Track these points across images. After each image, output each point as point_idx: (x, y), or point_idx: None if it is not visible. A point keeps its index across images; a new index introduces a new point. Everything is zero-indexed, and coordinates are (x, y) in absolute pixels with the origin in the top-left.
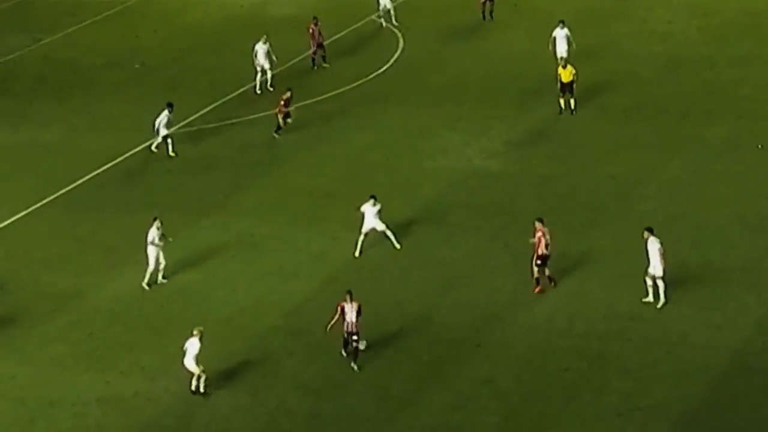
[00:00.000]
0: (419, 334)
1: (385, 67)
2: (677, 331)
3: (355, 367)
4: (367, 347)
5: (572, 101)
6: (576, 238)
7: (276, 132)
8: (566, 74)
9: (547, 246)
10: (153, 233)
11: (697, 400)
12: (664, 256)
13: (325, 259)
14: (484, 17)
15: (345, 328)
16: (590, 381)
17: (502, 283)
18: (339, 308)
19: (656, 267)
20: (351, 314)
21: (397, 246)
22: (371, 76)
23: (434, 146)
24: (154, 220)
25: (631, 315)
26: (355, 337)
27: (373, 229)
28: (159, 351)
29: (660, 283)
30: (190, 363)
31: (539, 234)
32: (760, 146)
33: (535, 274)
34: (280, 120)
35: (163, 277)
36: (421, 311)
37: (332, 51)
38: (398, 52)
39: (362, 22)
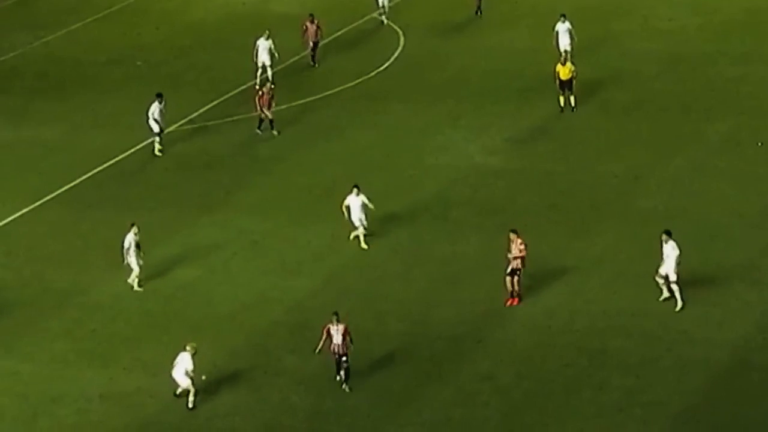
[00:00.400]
0: (420, 330)
1: (385, 65)
2: (678, 328)
3: (347, 389)
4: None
5: (572, 98)
6: (577, 235)
7: (272, 129)
8: (565, 71)
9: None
10: (129, 239)
11: (698, 395)
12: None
13: (327, 256)
14: (478, 12)
15: (333, 350)
16: (591, 377)
17: (503, 280)
18: (325, 331)
19: (670, 271)
20: (337, 336)
21: (365, 246)
22: (372, 74)
23: (435, 143)
24: (132, 225)
25: (631, 311)
26: (344, 359)
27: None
28: (161, 347)
29: (675, 287)
30: (179, 376)
31: (521, 246)
32: (760, 143)
33: (509, 287)
34: (267, 114)
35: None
36: (422, 308)
37: (333, 48)
38: (399, 49)
39: (363, 19)
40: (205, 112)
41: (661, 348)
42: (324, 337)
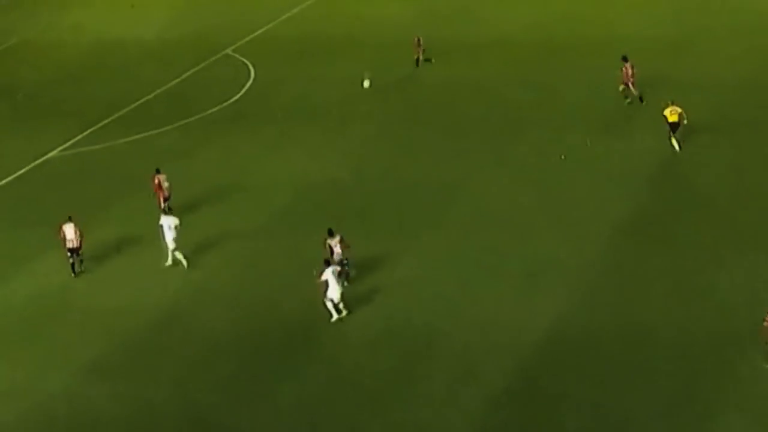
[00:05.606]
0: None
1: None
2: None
3: (346, 283)
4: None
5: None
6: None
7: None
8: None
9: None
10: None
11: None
12: None
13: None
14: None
15: (335, 260)
16: None
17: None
18: (327, 246)
19: None
20: (336, 248)
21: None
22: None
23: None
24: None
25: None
26: (345, 262)
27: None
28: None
29: None
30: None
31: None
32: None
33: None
34: None
35: None
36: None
37: (190, 82)
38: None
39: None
40: (82, 138)
41: None
42: (329, 252)
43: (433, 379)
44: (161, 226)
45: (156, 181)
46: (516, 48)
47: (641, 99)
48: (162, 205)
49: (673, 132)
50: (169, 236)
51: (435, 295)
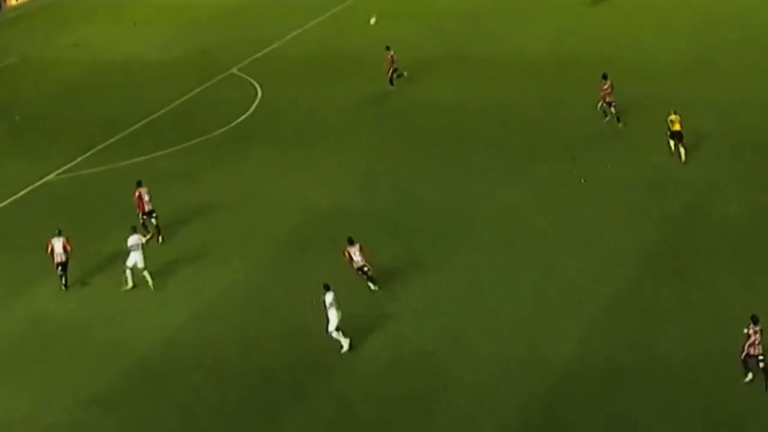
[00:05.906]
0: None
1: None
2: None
3: (376, 288)
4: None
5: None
6: (421, 266)
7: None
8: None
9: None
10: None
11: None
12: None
13: (199, 291)
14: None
15: (356, 267)
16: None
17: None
18: (347, 254)
19: None
20: (356, 255)
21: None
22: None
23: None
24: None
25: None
26: (366, 268)
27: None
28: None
29: None
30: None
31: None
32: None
33: None
34: None
35: None
36: (286, 336)
37: (196, 102)
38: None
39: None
40: (83, 160)
41: None
42: (348, 260)
43: (445, 409)
44: (130, 247)
45: (137, 194)
46: (528, 66)
47: (606, 114)
48: (141, 219)
49: (678, 140)
50: (137, 256)
51: (447, 322)
